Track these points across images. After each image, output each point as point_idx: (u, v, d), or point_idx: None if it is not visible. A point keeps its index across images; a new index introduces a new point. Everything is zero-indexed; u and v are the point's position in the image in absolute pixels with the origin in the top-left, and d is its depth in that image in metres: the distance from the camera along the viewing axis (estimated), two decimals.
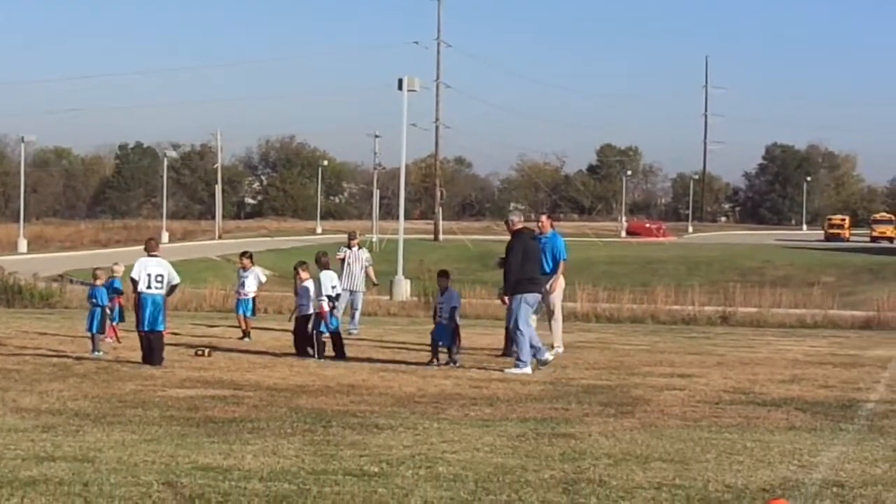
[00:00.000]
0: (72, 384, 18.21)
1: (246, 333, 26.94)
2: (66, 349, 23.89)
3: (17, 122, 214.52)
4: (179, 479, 10.42)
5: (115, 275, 26.83)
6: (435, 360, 21.66)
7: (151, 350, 21.30)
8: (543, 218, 24.27)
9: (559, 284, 23.76)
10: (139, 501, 9.51)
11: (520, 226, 21.47)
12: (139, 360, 21.28)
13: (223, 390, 17.71)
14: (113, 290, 25.38)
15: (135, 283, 21.46)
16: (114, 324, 25.21)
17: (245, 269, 28.01)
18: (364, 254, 30.03)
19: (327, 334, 22.75)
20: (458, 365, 21.42)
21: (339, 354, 22.64)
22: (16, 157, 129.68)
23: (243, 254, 28.90)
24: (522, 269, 20.74)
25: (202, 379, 19.18)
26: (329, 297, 22.81)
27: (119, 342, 24.78)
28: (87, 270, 52.73)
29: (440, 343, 21.92)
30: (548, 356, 21.38)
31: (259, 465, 11.33)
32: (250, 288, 27.75)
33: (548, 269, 23.20)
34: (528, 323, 20.85)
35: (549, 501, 9.72)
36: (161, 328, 21.52)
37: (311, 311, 22.94)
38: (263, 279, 28.21)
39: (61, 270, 58.22)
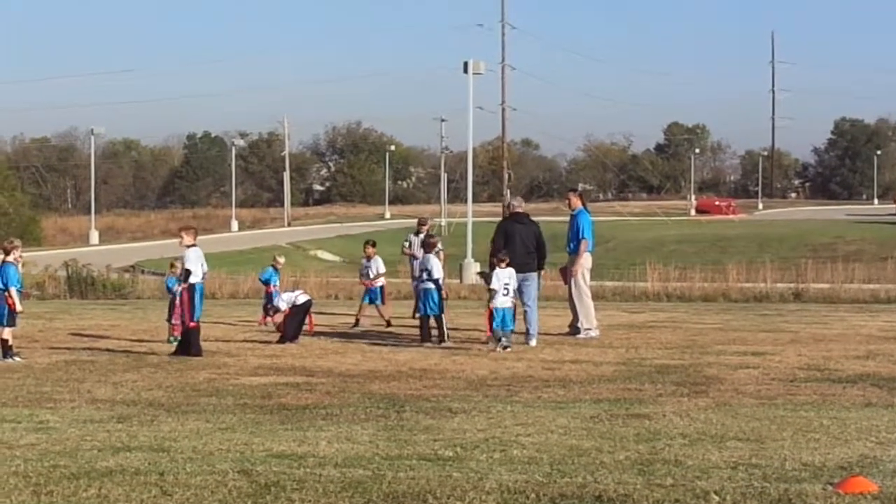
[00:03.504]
0: (146, 374, 18.34)
1: (388, 323, 26.41)
2: (139, 339, 24.06)
3: (87, 115, 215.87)
4: (254, 466, 10.46)
5: (276, 265, 26.90)
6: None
7: (199, 339, 21.19)
8: (571, 195, 24.59)
9: (581, 264, 23.53)
10: (215, 490, 9.55)
11: (518, 209, 23.14)
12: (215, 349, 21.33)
13: (296, 377, 17.77)
14: (265, 281, 25.72)
15: (189, 273, 21.04)
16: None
17: (369, 258, 27.51)
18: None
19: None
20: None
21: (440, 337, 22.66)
22: (86, 150, 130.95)
23: (367, 242, 28.49)
24: (502, 250, 21.87)
25: (275, 366, 19.25)
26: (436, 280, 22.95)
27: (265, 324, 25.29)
28: (159, 260, 53.22)
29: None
30: (532, 342, 22.09)
31: (333, 451, 11.34)
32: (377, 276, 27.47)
33: (571, 249, 23.66)
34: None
35: (624, 483, 9.67)
36: None
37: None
38: (382, 269, 27.63)
39: (133, 261, 58.69)
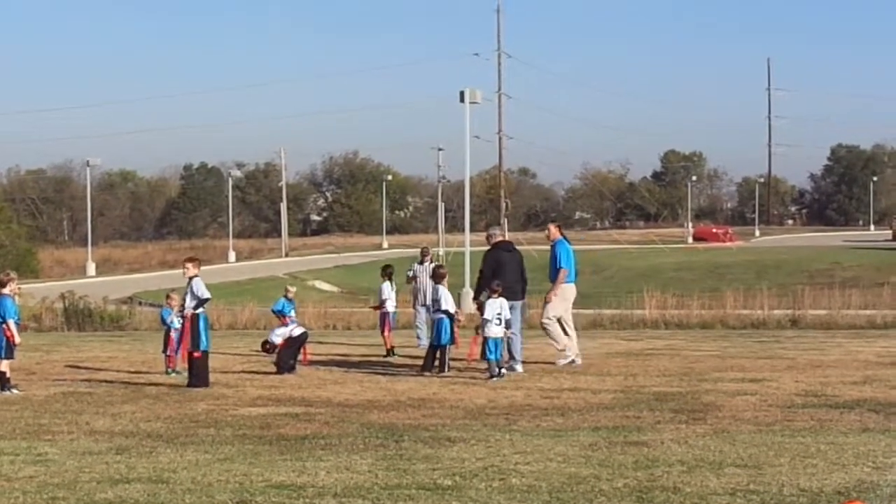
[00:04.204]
0: (144, 406, 18.34)
1: (388, 351, 26.60)
2: (137, 371, 24.07)
3: (83, 146, 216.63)
4: (254, 497, 10.47)
5: (288, 295, 26.82)
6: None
7: (207, 370, 21.26)
8: (551, 226, 24.79)
9: (557, 293, 23.59)
10: None
11: (498, 239, 23.34)
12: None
13: (295, 408, 17.78)
14: (279, 312, 25.40)
15: (203, 301, 21.29)
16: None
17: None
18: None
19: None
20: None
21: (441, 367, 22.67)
22: (82, 181, 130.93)
23: (385, 268, 28.57)
24: (494, 278, 22.05)
25: (273, 397, 19.26)
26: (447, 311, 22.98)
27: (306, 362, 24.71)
28: (156, 292, 53.20)
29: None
30: (518, 368, 22.34)
31: (332, 481, 11.36)
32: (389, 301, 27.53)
33: (552, 278, 23.75)
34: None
35: None
36: None
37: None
38: (383, 295, 27.67)
39: (130, 293, 58.71)
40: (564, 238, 24.18)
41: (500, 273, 22.32)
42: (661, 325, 37.57)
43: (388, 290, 27.65)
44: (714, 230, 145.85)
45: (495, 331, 21.27)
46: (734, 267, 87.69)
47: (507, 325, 21.73)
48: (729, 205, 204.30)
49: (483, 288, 22.32)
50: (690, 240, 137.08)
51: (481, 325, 21.72)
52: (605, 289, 70.65)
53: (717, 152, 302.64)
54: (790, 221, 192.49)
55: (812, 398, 17.83)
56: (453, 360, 23.09)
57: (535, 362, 23.62)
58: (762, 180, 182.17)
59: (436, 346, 22.73)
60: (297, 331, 23.64)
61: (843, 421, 15.36)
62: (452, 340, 22.92)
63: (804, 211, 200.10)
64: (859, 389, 18.85)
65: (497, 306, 21.44)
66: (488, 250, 23.00)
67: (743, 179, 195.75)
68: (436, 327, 22.82)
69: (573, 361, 23.49)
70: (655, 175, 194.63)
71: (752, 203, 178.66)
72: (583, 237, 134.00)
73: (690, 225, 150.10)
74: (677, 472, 11.57)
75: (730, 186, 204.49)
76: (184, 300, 21.68)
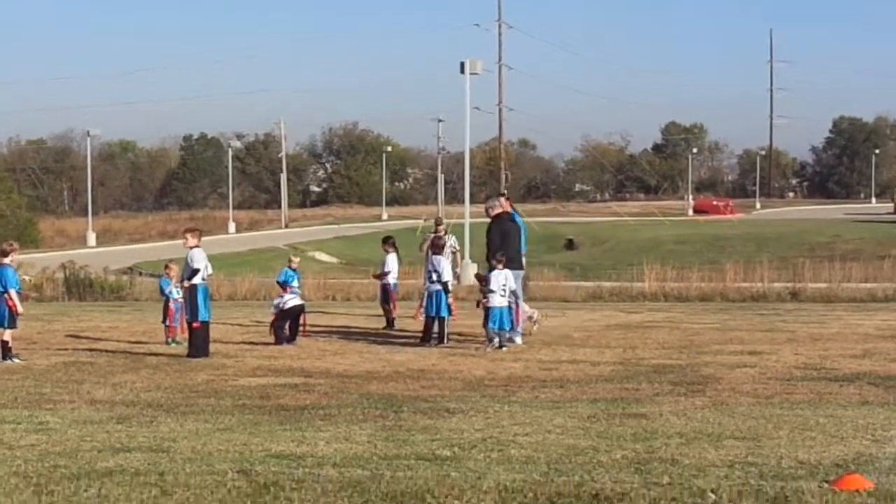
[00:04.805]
0: (144, 375, 18.39)
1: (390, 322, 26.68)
2: (137, 341, 24.10)
3: (83, 117, 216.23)
4: (253, 466, 10.50)
5: (292, 265, 26.72)
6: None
7: (208, 340, 21.31)
8: (502, 199, 24.62)
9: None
10: (214, 490, 9.59)
11: (499, 210, 23.27)
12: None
13: (294, 378, 17.81)
14: (283, 283, 25.14)
15: (196, 272, 21.15)
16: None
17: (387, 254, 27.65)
18: (450, 239, 29.33)
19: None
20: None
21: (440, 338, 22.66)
22: (82, 152, 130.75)
23: (387, 238, 28.49)
24: (500, 249, 22.20)
25: (273, 367, 19.30)
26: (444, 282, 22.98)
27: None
28: (156, 262, 53.21)
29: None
30: (517, 339, 22.35)
31: (332, 451, 11.39)
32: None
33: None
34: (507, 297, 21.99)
35: (621, 481, 9.72)
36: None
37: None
38: (387, 267, 27.62)
39: (130, 263, 58.68)
40: (515, 211, 24.21)
41: (506, 243, 22.48)
42: (660, 298, 37.58)
43: (393, 262, 27.61)
44: (714, 203, 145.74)
45: (499, 301, 21.34)
46: (734, 240, 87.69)
47: (514, 296, 21.82)
48: (730, 177, 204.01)
49: (493, 258, 22.26)
50: (691, 212, 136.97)
51: (484, 297, 21.77)
52: (605, 261, 70.81)
53: (718, 124, 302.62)
54: (791, 194, 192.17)
55: (811, 371, 17.86)
56: (454, 332, 23.12)
57: (534, 334, 23.64)
58: (763, 153, 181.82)
59: (433, 318, 22.72)
60: (292, 302, 23.48)
61: (842, 394, 15.38)
62: (449, 311, 22.94)
63: (805, 184, 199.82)
64: (859, 363, 18.87)
65: (502, 278, 21.51)
66: (493, 221, 23.08)
67: (744, 152, 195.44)
68: (434, 299, 22.78)
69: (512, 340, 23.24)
70: (656, 147, 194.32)
71: (752, 176, 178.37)
72: (583, 209, 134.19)
73: (691, 197, 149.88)
74: (676, 444, 11.60)
75: (731, 159, 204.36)
76: (184, 271, 21.73)
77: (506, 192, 29.87)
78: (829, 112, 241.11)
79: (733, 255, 60.53)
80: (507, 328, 21.55)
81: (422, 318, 23.86)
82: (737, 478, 9.88)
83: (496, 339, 21.32)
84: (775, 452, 11.03)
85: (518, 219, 23.89)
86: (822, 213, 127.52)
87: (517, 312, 22.34)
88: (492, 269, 21.87)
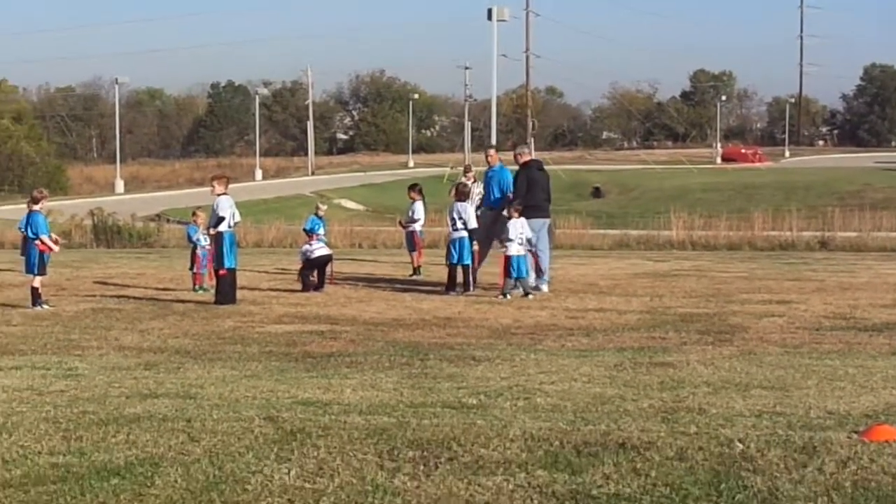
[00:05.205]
0: (172, 322, 18.43)
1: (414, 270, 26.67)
2: (165, 288, 24.16)
3: (111, 64, 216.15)
4: (280, 413, 10.50)
5: (319, 212, 26.66)
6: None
7: (235, 287, 21.34)
8: (491, 151, 24.87)
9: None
10: (241, 436, 9.59)
11: (527, 158, 23.40)
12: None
13: (320, 325, 17.83)
14: (309, 231, 25.11)
15: (221, 220, 21.19)
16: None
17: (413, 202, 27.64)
18: (478, 187, 29.11)
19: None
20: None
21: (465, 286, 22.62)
22: (110, 99, 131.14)
23: (414, 186, 28.43)
24: (527, 197, 22.37)
25: (299, 314, 19.32)
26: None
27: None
28: (184, 209, 53.34)
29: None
30: (544, 288, 22.38)
31: (358, 398, 11.38)
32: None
33: (493, 201, 23.47)
34: (533, 245, 22.21)
35: (648, 430, 9.68)
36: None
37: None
38: (416, 215, 27.59)
39: (158, 210, 58.87)
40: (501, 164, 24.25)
41: (532, 191, 22.52)
42: (687, 246, 37.52)
43: (420, 210, 27.56)
44: (743, 151, 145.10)
45: (517, 249, 21.34)
46: (763, 188, 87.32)
47: (530, 244, 21.81)
48: (758, 125, 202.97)
49: (510, 207, 22.27)
50: (719, 160, 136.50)
51: (502, 245, 21.83)
52: (632, 209, 70.63)
53: (747, 72, 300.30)
54: (821, 142, 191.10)
55: (840, 321, 17.78)
56: (480, 280, 23.08)
57: (560, 282, 23.61)
58: (793, 100, 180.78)
59: (456, 265, 22.61)
60: (319, 252, 23.46)
61: (871, 344, 15.31)
62: (472, 259, 22.81)
63: (835, 132, 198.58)
64: (889, 312, 18.79)
65: (519, 226, 21.51)
66: (520, 168, 23.05)
67: (773, 99, 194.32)
68: (458, 246, 22.62)
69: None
70: (684, 95, 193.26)
71: (782, 124, 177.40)
72: (610, 157, 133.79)
73: (719, 145, 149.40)
74: (703, 393, 11.55)
75: (760, 106, 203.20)
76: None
77: (495, 145, 29.62)
78: (861, 59, 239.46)
79: (761, 204, 60.36)
80: (525, 276, 21.51)
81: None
82: (764, 427, 9.83)
83: (518, 289, 21.32)
84: (804, 402, 10.98)
85: (503, 172, 23.85)
86: (851, 161, 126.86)
87: (536, 261, 22.30)
88: (509, 217, 21.82)
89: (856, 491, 7.89)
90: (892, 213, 45.70)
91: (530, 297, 21.09)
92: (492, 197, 23.41)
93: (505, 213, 22.18)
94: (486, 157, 24.54)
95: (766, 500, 7.69)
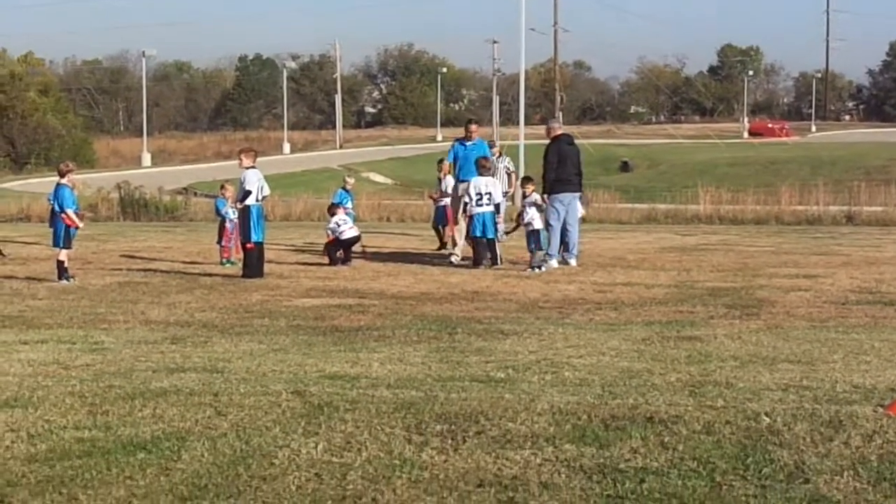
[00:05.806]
0: (199, 296, 18.48)
1: (442, 244, 26.46)
2: (192, 261, 24.22)
3: (138, 37, 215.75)
4: (308, 387, 10.52)
5: (346, 186, 26.56)
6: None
7: (262, 261, 21.35)
8: (473, 126, 24.99)
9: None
10: (268, 410, 9.62)
11: (559, 132, 23.41)
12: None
13: (348, 299, 17.85)
14: (337, 204, 24.96)
15: (248, 194, 21.16)
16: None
17: (446, 175, 27.48)
18: (504, 161, 28.84)
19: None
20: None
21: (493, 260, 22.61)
22: (137, 72, 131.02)
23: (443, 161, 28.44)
24: (558, 171, 22.69)
25: (327, 288, 19.35)
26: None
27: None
28: (211, 183, 53.43)
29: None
30: (572, 262, 22.59)
31: (386, 372, 11.40)
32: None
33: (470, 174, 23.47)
34: (559, 219, 22.44)
35: (675, 404, 9.69)
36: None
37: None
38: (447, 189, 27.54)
39: (185, 183, 58.94)
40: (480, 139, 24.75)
41: (563, 165, 22.74)
42: (715, 221, 37.46)
43: (451, 184, 27.45)
44: (770, 125, 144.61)
45: (537, 222, 21.67)
46: (790, 162, 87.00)
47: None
48: (785, 100, 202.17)
49: (548, 180, 22.68)
50: (746, 135, 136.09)
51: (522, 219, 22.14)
52: (660, 183, 70.46)
53: (774, 47, 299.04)
54: (847, 117, 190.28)
55: (867, 295, 17.73)
56: (508, 255, 23.09)
57: (588, 256, 23.60)
58: (819, 75, 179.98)
59: (481, 239, 22.55)
60: (349, 233, 23.37)
61: None
62: (497, 232, 22.81)
63: (861, 106, 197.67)
64: None
65: (534, 199, 21.92)
66: (550, 143, 23.16)
67: (800, 74, 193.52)
68: (482, 220, 22.52)
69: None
70: (712, 69, 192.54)
71: (808, 98, 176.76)
72: (638, 131, 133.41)
73: (746, 120, 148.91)
74: (730, 367, 11.55)
75: (786, 81, 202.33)
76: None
77: (476, 119, 29.50)
78: (887, 34, 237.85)
79: (788, 178, 60.06)
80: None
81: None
82: (791, 401, 9.83)
83: (545, 263, 21.51)
84: (830, 376, 10.97)
85: (483, 146, 24.28)
86: (878, 136, 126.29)
87: (552, 236, 22.39)
88: (524, 195, 22.14)
89: (881, 464, 7.89)
90: None
91: (537, 271, 21.17)
92: (469, 172, 23.37)
93: (520, 186, 22.56)
94: (467, 131, 24.65)
95: (792, 474, 7.69)
